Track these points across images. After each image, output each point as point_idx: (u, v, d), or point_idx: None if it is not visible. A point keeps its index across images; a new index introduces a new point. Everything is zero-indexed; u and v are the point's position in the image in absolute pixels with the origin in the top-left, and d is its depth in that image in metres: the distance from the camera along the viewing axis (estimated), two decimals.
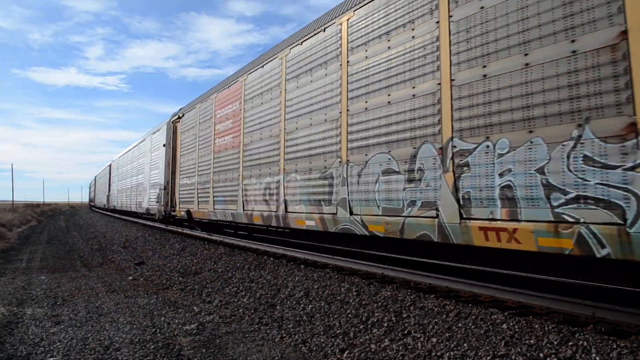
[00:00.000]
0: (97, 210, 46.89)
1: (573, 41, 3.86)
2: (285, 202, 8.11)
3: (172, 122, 15.42)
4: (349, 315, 4.58)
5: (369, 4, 6.35)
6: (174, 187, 14.87)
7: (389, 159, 5.81)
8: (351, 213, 6.45)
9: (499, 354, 3.32)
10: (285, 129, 8.30)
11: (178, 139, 14.86)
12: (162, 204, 15.53)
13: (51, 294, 6.13)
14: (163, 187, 15.36)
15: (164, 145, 15.78)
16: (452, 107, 4.93)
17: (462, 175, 4.79)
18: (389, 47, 5.93)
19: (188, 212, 13.27)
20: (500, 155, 4.41)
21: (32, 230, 20.59)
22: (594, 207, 3.66)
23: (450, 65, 4.98)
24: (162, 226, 16.89)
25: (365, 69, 6.33)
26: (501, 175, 4.40)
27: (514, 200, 4.27)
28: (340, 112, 6.79)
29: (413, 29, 5.55)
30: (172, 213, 14.92)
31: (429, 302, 4.79)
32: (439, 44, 5.15)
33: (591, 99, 3.72)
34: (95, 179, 54.29)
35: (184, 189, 13.93)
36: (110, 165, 33.49)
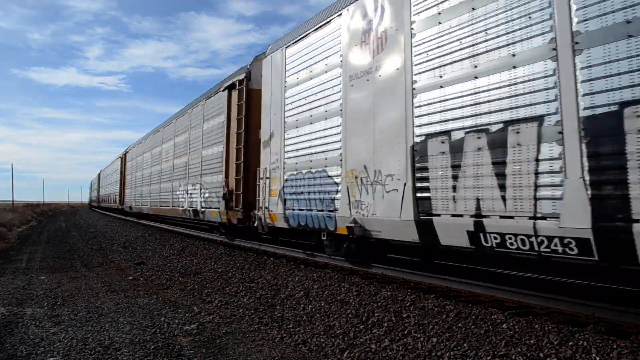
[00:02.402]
0: (97, 210, 41.50)
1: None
2: None
3: None
4: (349, 315, 4.58)
5: None
6: None
7: None
8: None
9: (499, 354, 3.32)
10: None
11: None
12: None
13: (51, 294, 6.12)
14: None
15: None
16: None
17: None
18: None
19: None
20: None
21: (32, 230, 20.57)
22: None
23: None
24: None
25: None
26: None
27: None
28: None
29: None
30: None
31: (429, 302, 4.79)
32: None
33: None
34: (121, 160, 27.21)
35: None
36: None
